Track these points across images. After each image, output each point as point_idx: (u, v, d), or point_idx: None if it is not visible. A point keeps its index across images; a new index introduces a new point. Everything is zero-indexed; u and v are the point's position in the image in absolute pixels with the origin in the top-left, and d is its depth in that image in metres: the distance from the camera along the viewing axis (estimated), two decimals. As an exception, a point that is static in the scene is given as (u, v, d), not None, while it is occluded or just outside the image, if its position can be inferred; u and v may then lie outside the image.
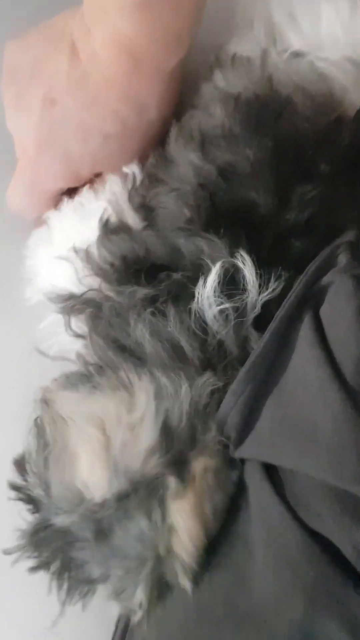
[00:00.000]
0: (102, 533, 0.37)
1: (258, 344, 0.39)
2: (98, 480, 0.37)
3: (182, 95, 0.48)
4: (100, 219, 0.44)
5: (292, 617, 0.33)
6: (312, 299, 0.39)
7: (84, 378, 0.41)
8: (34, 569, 0.39)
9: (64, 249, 0.46)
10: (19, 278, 0.50)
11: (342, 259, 0.39)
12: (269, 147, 0.41)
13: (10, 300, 0.52)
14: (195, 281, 0.40)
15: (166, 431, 0.38)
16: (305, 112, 0.41)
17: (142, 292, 0.40)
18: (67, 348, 0.46)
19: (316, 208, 0.40)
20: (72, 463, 0.38)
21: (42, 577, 0.40)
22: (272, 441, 0.37)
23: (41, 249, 0.49)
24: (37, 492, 0.39)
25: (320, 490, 0.35)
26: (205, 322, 0.39)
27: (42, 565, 0.39)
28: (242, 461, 0.40)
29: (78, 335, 0.44)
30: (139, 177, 0.46)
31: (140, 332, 0.40)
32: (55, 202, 0.49)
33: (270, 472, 0.37)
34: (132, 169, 0.46)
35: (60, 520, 0.38)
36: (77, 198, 0.48)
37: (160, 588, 0.38)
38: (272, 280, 0.39)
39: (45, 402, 0.41)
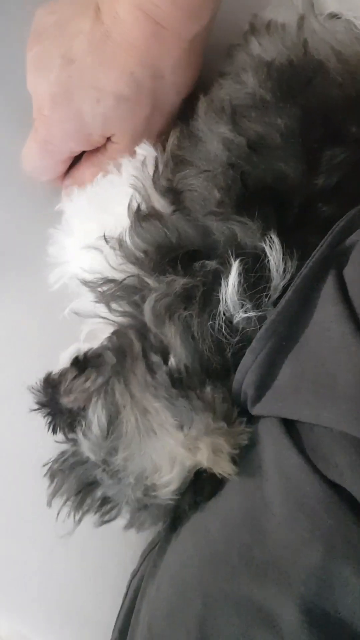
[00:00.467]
0: None
1: (280, 301, 0.39)
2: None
3: (210, 65, 0.48)
4: (130, 206, 0.45)
5: (309, 563, 0.33)
6: (336, 259, 0.39)
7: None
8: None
9: (87, 238, 0.46)
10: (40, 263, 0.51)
11: (367, 220, 0.40)
12: (299, 115, 0.41)
13: (31, 284, 0.53)
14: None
15: None
16: (337, 78, 0.42)
17: (180, 282, 0.41)
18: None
19: (345, 172, 0.41)
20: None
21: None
22: (292, 396, 0.38)
23: (63, 237, 0.50)
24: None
25: (338, 443, 0.35)
26: (231, 322, 0.40)
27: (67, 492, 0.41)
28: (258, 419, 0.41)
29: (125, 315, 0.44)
30: (160, 160, 0.46)
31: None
32: (67, 166, 0.50)
33: (288, 427, 0.38)
34: (147, 150, 0.47)
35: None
36: (90, 188, 0.49)
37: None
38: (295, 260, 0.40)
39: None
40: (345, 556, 0.33)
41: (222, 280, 0.39)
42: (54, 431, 0.43)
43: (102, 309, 0.45)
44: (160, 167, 0.46)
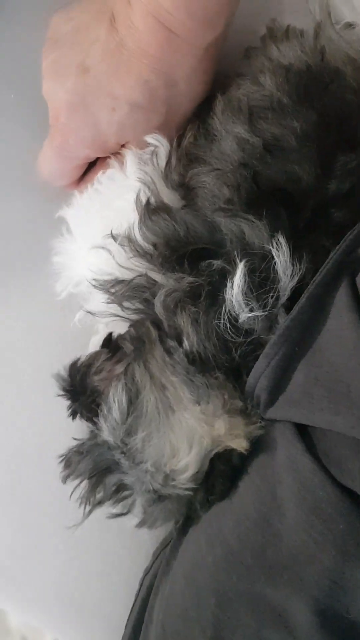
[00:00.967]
0: None
1: (294, 307, 0.40)
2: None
3: (227, 66, 0.49)
4: (138, 200, 0.45)
5: (322, 566, 0.34)
6: (350, 266, 0.40)
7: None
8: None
9: (93, 239, 0.47)
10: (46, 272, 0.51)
11: (382, 227, 0.40)
12: (314, 119, 0.42)
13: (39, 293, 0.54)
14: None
15: None
16: (353, 84, 0.42)
17: (187, 280, 0.41)
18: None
19: (358, 178, 0.41)
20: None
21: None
22: (305, 401, 0.38)
23: (66, 244, 0.50)
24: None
25: (351, 448, 0.36)
26: (237, 320, 0.40)
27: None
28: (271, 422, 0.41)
29: (137, 312, 0.45)
30: (174, 154, 0.46)
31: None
32: (82, 171, 0.50)
33: (301, 431, 0.38)
34: (159, 142, 0.47)
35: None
36: (90, 187, 0.49)
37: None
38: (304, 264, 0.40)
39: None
40: (357, 559, 0.34)
41: (228, 281, 0.40)
42: (74, 416, 0.44)
43: (114, 308, 0.45)
44: (173, 161, 0.46)
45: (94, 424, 0.43)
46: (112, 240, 0.45)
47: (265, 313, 0.39)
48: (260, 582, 0.36)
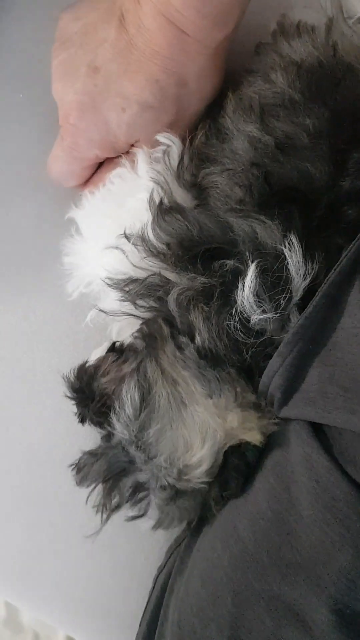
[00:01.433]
0: None
1: (308, 306, 0.39)
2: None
3: (236, 62, 0.48)
4: (151, 200, 0.45)
5: (339, 565, 0.34)
6: (364, 265, 0.40)
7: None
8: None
9: (105, 239, 0.47)
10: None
11: None
12: (327, 116, 0.41)
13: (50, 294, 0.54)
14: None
15: None
16: (366, 80, 0.42)
17: (200, 280, 0.41)
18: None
19: (372, 174, 0.41)
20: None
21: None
22: (320, 400, 0.38)
23: (76, 245, 0.50)
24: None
25: (367, 447, 0.36)
26: (248, 321, 0.40)
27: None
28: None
29: (151, 309, 0.45)
30: (187, 153, 0.46)
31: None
32: (92, 171, 0.50)
33: (316, 430, 0.38)
34: (171, 141, 0.46)
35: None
36: (102, 187, 0.49)
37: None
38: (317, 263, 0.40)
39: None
40: None
41: (240, 282, 0.40)
42: (83, 421, 0.44)
43: (128, 307, 0.46)
44: (186, 161, 0.46)
45: (104, 429, 0.43)
46: (126, 240, 0.44)
47: (277, 315, 0.39)
48: (276, 581, 0.36)
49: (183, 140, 0.46)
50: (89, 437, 0.46)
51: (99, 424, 0.43)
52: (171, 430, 0.40)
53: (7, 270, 0.54)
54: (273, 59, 0.44)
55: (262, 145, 0.42)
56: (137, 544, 0.53)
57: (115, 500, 0.43)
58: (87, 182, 0.50)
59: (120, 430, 0.40)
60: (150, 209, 0.45)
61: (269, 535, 0.38)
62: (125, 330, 0.48)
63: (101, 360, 0.44)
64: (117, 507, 0.43)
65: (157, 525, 0.44)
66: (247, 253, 0.40)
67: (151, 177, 0.46)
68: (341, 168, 0.41)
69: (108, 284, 0.45)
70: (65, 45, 0.45)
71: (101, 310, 0.48)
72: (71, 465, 0.45)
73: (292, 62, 0.43)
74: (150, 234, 0.44)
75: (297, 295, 0.40)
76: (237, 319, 0.39)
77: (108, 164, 0.49)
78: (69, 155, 0.48)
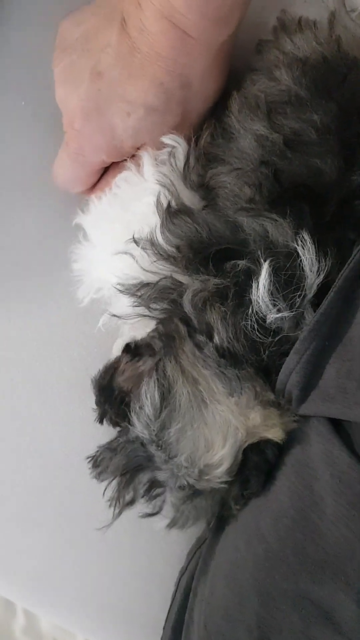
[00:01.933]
0: None
1: (322, 302, 0.39)
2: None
3: (238, 60, 0.48)
4: (159, 203, 0.45)
5: None
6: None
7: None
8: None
9: (113, 244, 0.46)
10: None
11: None
12: (334, 111, 0.41)
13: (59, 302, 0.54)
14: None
15: None
16: (372, 73, 0.41)
17: (213, 282, 0.41)
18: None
19: (383, 168, 0.40)
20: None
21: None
22: (339, 396, 0.38)
23: (84, 251, 0.50)
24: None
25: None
26: (264, 320, 0.40)
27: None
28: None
29: (165, 312, 0.44)
30: (192, 154, 0.46)
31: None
32: (98, 176, 0.50)
33: (336, 426, 0.38)
34: (177, 142, 0.46)
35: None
36: (108, 191, 0.49)
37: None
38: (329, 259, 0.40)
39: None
40: None
41: (253, 281, 0.40)
42: (102, 419, 0.44)
43: (142, 310, 0.45)
44: (192, 162, 0.46)
45: (122, 427, 0.43)
46: (135, 244, 0.44)
47: (293, 313, 0.39)
48: (303, 579, 0.36)
49: (188, 141, 0.46)
50: (105, 439, 0.46)
51: (117, 424, 0.43)
52: (192, 430, 0.40)
53: (17, 279, 0.54)
54: (276, 56, 0.44)
55: (270, 143, 0.42)
56: (157, 546, 0.53)
57: (129, 496, 0.43)
58: (93, 187, 0.50)
59: (141, 429, 0.40)
60: (158, 212, 0.44)
61: (293, 533, 0.37)
62: (137, 327, 0.48)
63: (117, 361, 0.44)
64: (131, 502, 0.43)
65: (172, 524, 0.43)
66: (259, 252, 0.40)
67: (157, 180, 0.46)
68: (351, 163, 0.41)
69: (120, 290, 0.45)
70: (67, 52, 0.45)
71: (114, 316, 0.48)
72: (88, 458, 0.44)
73: (296, 58, 0.43)
74: (159, 238, 0.44)
75: (311, 292, 0.40)
76: (253, 319, 0.39)
77: (114, 168, 0.49)
78: (75, 161, 0.47)
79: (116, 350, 0.48)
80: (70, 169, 0.49)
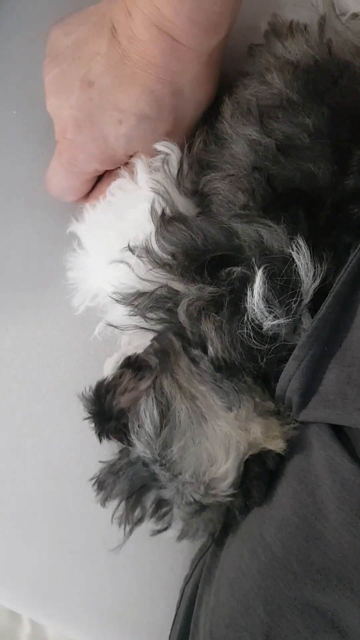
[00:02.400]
0: None
1: (320, 308, 0.39)
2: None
3: (229, 64, 0.48)
4: (153, 210, 0.44)
5: None
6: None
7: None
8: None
9: (108, 252, 0.46)
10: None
11: None
12: (327, 115, 0.41)
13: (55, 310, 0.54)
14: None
15: None
16: (364, 76, 0.41)
17: (209, 290, 0.41)
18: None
19: (377, 171, 0.40)
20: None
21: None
22: (339, 402, 0.38)
23: (79, 259, 0.50)
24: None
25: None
26: (260, 328, 0.40)
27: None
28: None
29: (161, 321, 0.44)
30: (186, 161, 0.46)
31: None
32: (92, 185, 0.50)
33: (337, 432, 0.38)
34: (169, 147, 0.46)
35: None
36: (102, 199, 0.49)
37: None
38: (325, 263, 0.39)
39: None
40: None
41: (248, 288, 0.39)
42: (100, 439, 0.44)
43: (138, 320, 0.45)
44: (185, 168, 0.46)
45: (123, 442, 0.42)
46: (130, 253, 0.44)
47: (290, 319, 0.39)
48: (308, 587, 0.36)
49: (181, 148, 0.46)
50: (105, 449, 0.46)
51: (117, 440, 0.43)
52: (195, 446, 0.40)
53: (12, 288, 0.54)
54: (267, 60, 0.44)
55: (262, 148, 0.42)
56: (161, 554, 0.52)
57: (137, 514, 0.42)
58: (87, 195, 0.50)
59: (142, 449, 0.40)
60: (152, 220, 0.44)
61: (297, 541, 0.37)
62: (134, 339, 0.48)
63: (118, 377, 0.44)
64: (140, 520, 0.43)
65: (182, 536, 0.43)
66: (254, 259, 0.40)
67: (151, 187, 0.45)
68: (344, 166, 0.41)
69: (116, 300, 0.45)
70: (57, 60, 0.45)
71: (110, 325, 0.47)
72: (91, 480, 0.44)
73: (287, 62, 0.43)
74: (155, 245, 0.44)
75: (307, 297, 0.39)
76: (249, 326, 0.39)
77: (107, 176, 0.49)
78: (68, 171, 0.47)
79: (108, 368, 0.47)
80: (63, 179, 0.49)
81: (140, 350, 0.46)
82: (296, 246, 0.39)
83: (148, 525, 0.43)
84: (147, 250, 0.44)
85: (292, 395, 0.40)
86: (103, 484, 0.43)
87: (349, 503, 0.36)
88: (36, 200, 0.53)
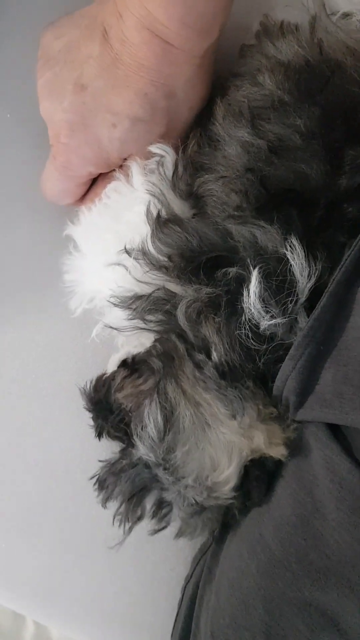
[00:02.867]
0: None
1: (316, 307, 0.39)
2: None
3: (220, 65, 0.48)
4: (149, 213, 0.44)
5: None
6: (369, 262, 0.39)
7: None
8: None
9: (104, 255, 0.46)
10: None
11: None
12: (319, 115, 0.41)
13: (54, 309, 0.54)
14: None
15: None
16: (355, 76, 0.41)
17: (206, 291, 0.41)
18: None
19: (369, 171, 0.40)
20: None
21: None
22: (336, 402, 0.38)
23: (76, 261, 0.50)
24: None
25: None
26: (258, 327, 0.40)
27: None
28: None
29: (160, 323, 0.44)
30: (180, 163, 0.46)
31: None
32: (86, 188, 0.50)
33: (334, 431, 0.38)
34: (165, 151, 0.46)
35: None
36: (98, 202, 0.49)
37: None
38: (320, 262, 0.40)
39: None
40: None
41: (244, 289, 0.40)
42: (100, 435, 0.44)
43: (136, 322, 0.45)
44: (180, 170, 0.46)
45: (122, 442, 0.43)
46: (127, 255, 0.44)
47: (286, 318, 0.39)
48: (307, 586, 0.36)
49: (176, 150, 0.46)
50: (105, 449, 0.46)
51: (117, 438, 0.43)
52: (198, 451, 0.40)
53: (10, 292, 0.54)
54: (259, 60, 0.44)
55: (255, 150, 0.42)
56: (162, 554, 0.53)
57: (137, 514, 0.43)
58: (82, 198, 0.50)
59: (145, 452, 0.40)
60: (148, 222, 0.44)
61: (295, 540, 0.38)
62: (131, 340, 0.48)
63: (113, 375, 0.44)
64: (139, 519, 0.43)
65: (180, 534, 0.44)
66: (249, 259, 0.40)
67: (147, 189, 0.45)
68: (337, 166, 0.41)
69: (114, 304, 0.45)
70: (49, 64, 0.45)
71: (109, 327, 0.48)
72: (92, 479, 0.45)
73: (278, 62, 0.43)
74: (151, 247, 0.44)
75: (303, 296, 0.40)
76: (247, 326, 0.39)
77: (102, 179, 0.49)
78: (63, 174, 0.47)
79: (112, 365, 0.48)
80: (58, 182, 0.49)
81: (139, 350, 0.46)
82: (290, 246, 0.39)
83: (148, 525, 0.43)
84: (144, 252, 0.44)
85: (289, 394, 0.40)
86: (104, 483, 0.43)
87: (347, 502, 0.36)
88: (32, 203, 0.53)
